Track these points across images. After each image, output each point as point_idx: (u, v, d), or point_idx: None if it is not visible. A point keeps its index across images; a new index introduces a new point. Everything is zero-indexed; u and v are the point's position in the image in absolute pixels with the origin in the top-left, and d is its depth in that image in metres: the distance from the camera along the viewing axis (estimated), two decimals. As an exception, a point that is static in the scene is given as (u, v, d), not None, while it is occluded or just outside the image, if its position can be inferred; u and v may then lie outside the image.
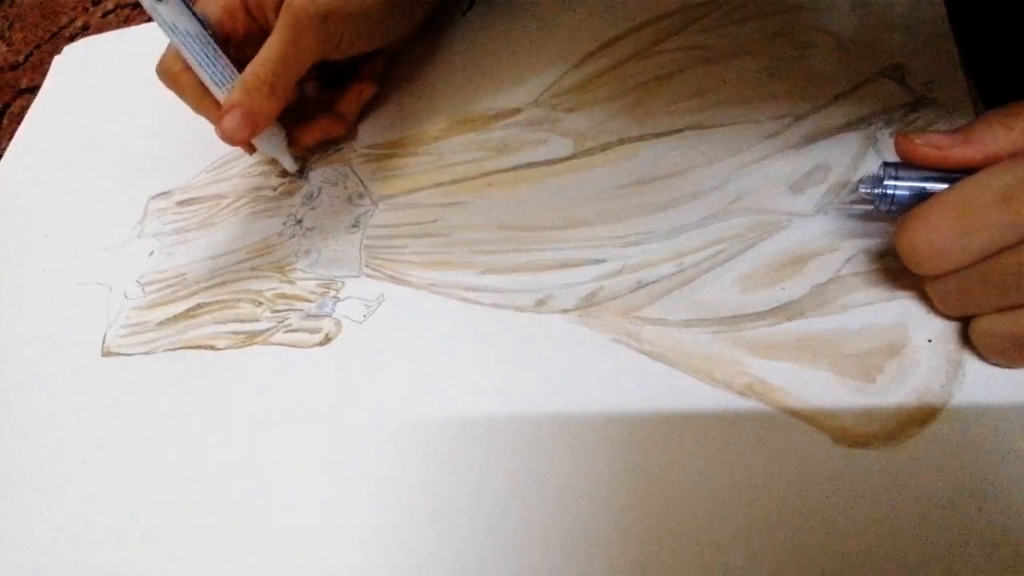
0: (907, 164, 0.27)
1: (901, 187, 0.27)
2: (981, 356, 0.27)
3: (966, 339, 0.27)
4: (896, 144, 0.27)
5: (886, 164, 0.27)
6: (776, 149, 0.34)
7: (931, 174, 0.26)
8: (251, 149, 0.40)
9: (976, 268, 0.24)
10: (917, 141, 0.26)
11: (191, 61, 0.36)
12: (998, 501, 0.25)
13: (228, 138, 0.36)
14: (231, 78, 0.36)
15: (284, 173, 0.43)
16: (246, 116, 0.35)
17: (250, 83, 0.35)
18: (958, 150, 0.25)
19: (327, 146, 0.43)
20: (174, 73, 0.38)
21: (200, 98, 0.38)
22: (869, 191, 0.27)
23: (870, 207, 0.28)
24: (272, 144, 0.39)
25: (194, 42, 0.35)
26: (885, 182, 0.27)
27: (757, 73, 0.37)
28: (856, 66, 0.35)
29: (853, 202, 0.32)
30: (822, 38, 0.37)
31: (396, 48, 0.44)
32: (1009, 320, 0.25)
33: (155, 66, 0.39)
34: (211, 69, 0.36)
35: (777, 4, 0.39)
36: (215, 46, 0.36)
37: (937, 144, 0.26)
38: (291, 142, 0.40)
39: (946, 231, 0.24)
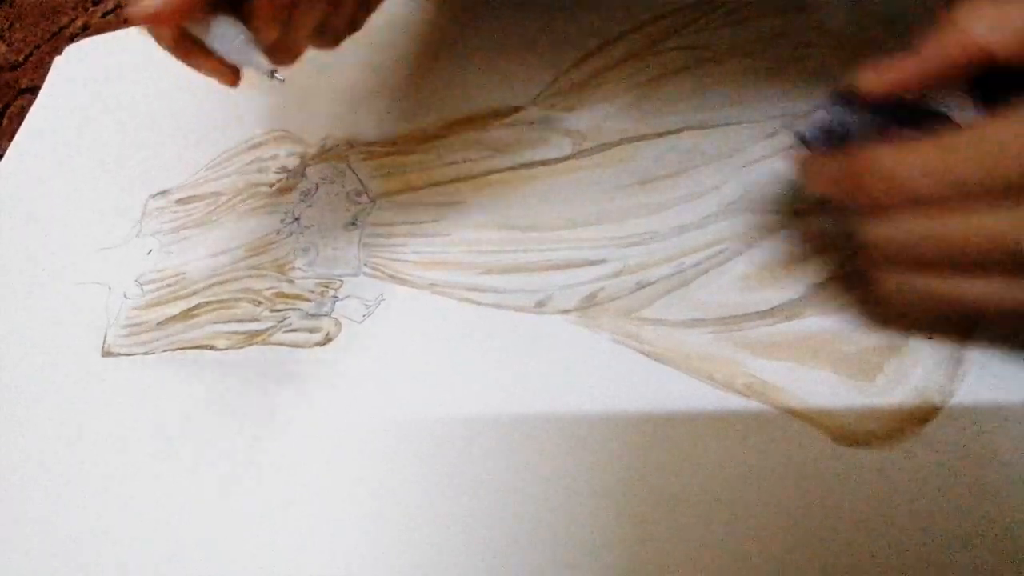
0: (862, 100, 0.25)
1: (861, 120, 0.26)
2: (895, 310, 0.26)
3: (966, 338, 0.27)
4: (862, 82, 0.25)
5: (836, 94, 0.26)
6: (776, 149, 0.34)
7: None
8: (234, 80, 0.33)
9: (934, 222, 0.22)
10: (881, 71, 0.25)
11: None
12: (998, 500, 0.25)
13: (145, 16, 0.28)
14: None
15: (282, 169, 0.43)
16: None
17: None
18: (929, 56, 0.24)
19: (325, 146, 0.43)
20: None
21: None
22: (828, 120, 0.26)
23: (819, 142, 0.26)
24: (232, 44, 0.31)
25: None
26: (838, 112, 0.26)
27: (757, 73, 0.37)
28: (856, 65, 0.35)
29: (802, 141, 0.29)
30: (822, 38, 0.37)
31: None
32: (937, 282, 0.23)
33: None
34: None
35: (777, 4, 0.39)
36: None
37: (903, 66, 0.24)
38: (279, 47, 0.33)
39: (918, 167, 0.22)
